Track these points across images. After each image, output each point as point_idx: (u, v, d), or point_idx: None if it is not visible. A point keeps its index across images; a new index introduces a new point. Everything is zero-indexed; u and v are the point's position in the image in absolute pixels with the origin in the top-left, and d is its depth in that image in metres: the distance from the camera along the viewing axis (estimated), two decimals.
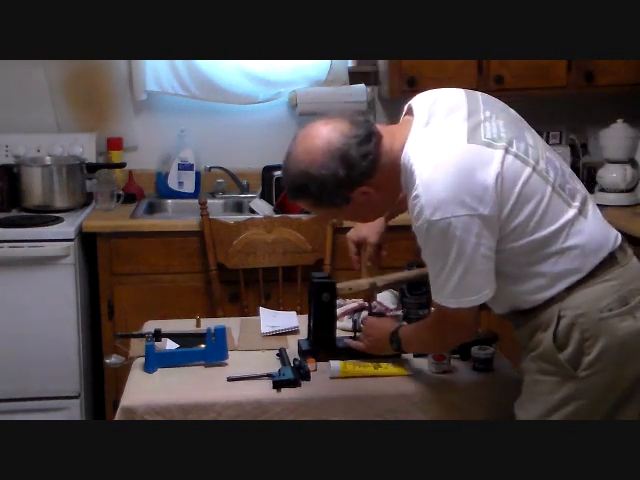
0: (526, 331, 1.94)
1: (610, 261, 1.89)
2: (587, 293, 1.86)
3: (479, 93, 1.98)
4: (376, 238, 2.26)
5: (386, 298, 2.49)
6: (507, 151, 1.83)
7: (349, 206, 1.90)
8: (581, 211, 1.89)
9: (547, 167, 1.88)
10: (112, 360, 2.27)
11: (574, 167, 3.75)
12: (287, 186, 1.92)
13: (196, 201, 3.32)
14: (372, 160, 1.85)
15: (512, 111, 1.99)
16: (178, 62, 3.69)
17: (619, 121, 3.60)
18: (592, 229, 1.89)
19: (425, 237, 1.81)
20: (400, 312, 2.43)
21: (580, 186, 1.96)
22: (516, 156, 1.84)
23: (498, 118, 1.90)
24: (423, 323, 2.08)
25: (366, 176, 1.86)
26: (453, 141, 1.83)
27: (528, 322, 1.93)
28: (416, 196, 1.80)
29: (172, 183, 3.74)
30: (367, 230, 2.26)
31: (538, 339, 1.90)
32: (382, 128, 1.92)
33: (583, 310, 1.85)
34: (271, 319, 2.51)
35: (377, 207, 1.98)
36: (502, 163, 1.81)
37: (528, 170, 1.84)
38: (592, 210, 1.93)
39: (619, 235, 1.95)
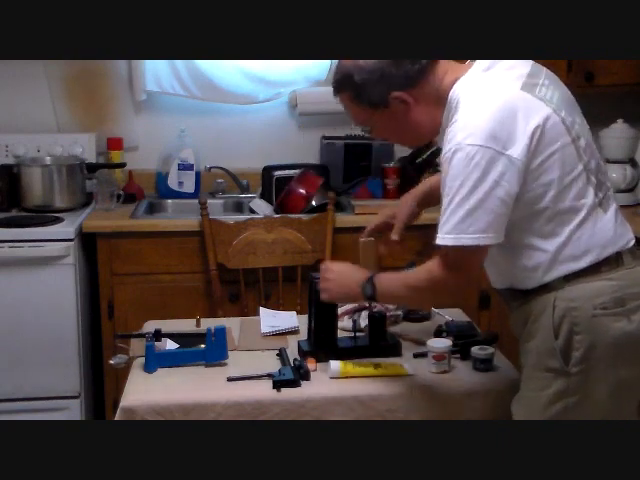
0: (520, 317, 1.95)
1: (616, 260, 1.89)
2: (584, 287, 1.86)
3: (544, 67, 1.99)
4: (406, 215, 2.25)
5: None
6: (555, 112, 1.84)
7: (385, 112, 1.93)
8: (601, 203, 1.90)
9: (586, 148, 1.89)
10: (116, 360, 2.27)
11: None
12: (334, 77, 2.00)
13: (196, 201, 3.31)
14: (419, 70, 1.90)
15: (570, 94, 1.99)
16: (178, 62, 3.69)
17: (619, 121, 3.60)
18: (606, 224, 1.90)
19: (450, 161, 1.80)
20: (400, 312, 2.43)
21: (609, 184, 1.98)
22: (562, 121, 1.85)
23: (556, 89, 1.91)
24: (413, 271, 1.98)
25: (409, 81, 1.90)
26: (507, 85, 1.85)
27: (522, 306, 1.93)
28: (455, 121, 1.82)
29: (172, 183, 3.74)
30: (399, 209, 2.27)
31: (532, 329, 1.90)
32: (441, 61, 1.94)
33: (577, 304, 1.85)
34: (271, 319, 2.51)
35: (410, 126, 1.96)
36: (547, 118, 1.82)
37: (568, 139, 1.85)
38: (613, 208, 1.94)
39: (633, 239, 1.96)
